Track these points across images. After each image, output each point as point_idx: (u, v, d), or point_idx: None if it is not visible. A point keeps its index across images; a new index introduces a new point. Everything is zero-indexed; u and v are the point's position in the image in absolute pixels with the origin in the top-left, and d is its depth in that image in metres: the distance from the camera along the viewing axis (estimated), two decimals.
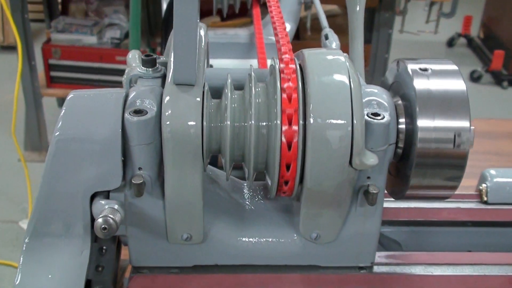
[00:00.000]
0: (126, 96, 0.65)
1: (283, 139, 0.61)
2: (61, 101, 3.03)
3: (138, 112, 0.63)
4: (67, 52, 2.69)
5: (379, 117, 0.64)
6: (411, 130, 0.66)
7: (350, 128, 0.60)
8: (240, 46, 1.29)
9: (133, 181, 0.63)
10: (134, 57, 0.72)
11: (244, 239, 0.70)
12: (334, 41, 1.04)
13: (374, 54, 2.65)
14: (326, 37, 1.06)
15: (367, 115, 0.64)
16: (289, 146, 0.61)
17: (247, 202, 0.75)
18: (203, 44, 0.71)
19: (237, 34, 1.31)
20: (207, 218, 0.68)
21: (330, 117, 0.60)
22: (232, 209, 0.73)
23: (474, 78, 3.95)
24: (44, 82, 2.73)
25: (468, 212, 0.91)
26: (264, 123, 0.64)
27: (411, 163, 0.66)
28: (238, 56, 1.26)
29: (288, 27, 1.29)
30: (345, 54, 0.68)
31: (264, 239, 0.70)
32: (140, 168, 0.65)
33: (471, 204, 0.92)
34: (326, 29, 1.07)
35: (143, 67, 0.69)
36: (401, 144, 0.67)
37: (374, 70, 2.68)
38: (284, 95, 0.62)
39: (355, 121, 0.60)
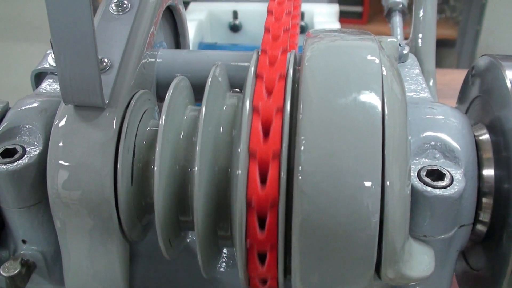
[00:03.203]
0: None
1: (252, 204, 0.32)
2: None
3: (10, 153, 0.37)
4: None
5: (442, 183, 0.33)
6: (506, 194, 0.35)
7: (377, 203, 0.30)
8: None
9: (1, 272, 0.37)
10: None
11: None
12: None
13: None
14: None
15: (418, 177, 0.33)
16: (262, 221, 0.32)
17: (219, 278, 0.46)
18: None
19: None
20: None
21: (337, 175, 0.30)
22: None
23: None
24: None
25: None
26: (221, 169, 0.35)
27: (504, 261, 0.35)
28: None
29: None
30: (389, 39, 0.38)
31: None
32: (24, 241, 0.39)
33: None
34: None
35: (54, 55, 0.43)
36: (485, 218, 0.37)
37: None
38: (257, 122, 0.33)
39: (389, 189, 0.30)
